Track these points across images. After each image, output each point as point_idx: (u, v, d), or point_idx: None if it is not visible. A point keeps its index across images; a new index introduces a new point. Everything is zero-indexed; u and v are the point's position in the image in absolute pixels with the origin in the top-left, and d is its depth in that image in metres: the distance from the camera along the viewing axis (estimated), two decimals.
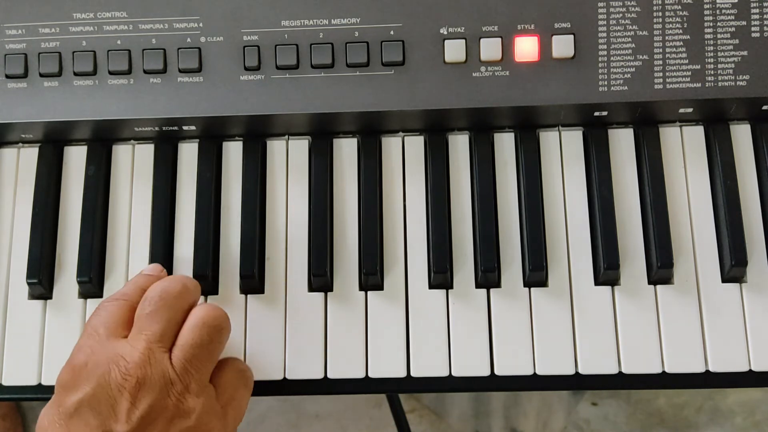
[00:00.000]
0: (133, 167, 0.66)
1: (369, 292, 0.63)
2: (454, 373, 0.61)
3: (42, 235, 0.64)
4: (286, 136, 0.66)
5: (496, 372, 0.61)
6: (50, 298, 0.64)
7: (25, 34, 0.63)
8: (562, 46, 0.61)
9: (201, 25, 0.63)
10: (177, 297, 0.56)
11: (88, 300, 0.64)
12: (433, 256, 0.62)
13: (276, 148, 0.66)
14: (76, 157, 0.66)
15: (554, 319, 0.61)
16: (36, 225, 0.64)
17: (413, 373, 0.61)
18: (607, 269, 0.61)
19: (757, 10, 0.61)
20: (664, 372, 0.61)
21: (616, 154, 0.65)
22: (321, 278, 0.62)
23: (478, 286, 0.62)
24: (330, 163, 0.65)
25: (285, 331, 0.62)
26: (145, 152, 0.66)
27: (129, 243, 0.64)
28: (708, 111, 0.63)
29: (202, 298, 0.63)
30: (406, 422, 0.98)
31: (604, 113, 0.63)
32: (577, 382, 0.61)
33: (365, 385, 0.62)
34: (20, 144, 0.67)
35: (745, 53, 0.61)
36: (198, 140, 0.66)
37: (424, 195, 0.64)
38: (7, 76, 0.63)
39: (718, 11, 0.61)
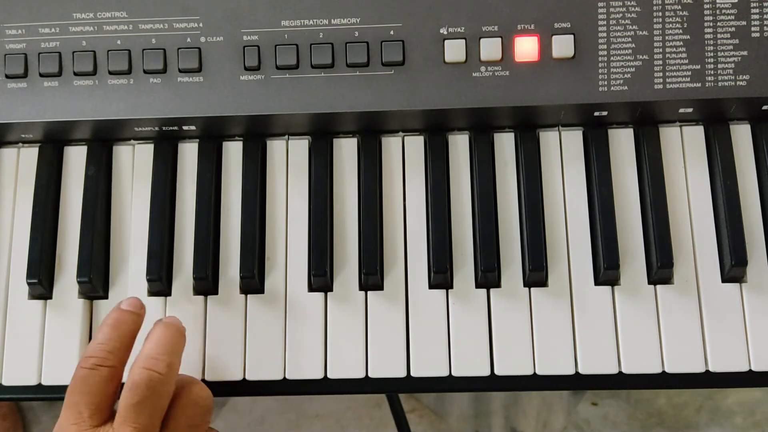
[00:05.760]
0: (133, 167, 0.66)
1: (369, 292, 0.63)
2: (454, 373, 0.61)
3: (42, 235, 0.64)
4: (286, 136, 0.66)
5: (496, 372, 0.61)
6: (50, 298, 0.64)
7: (25, 34, 0.63)
8: (562, 46, 0.61)
9: (201, 25, 0.63)
10: (164, 383, 0.54)
11: (88, 300, 0.64)
12: (433, 256, 0.62)
13: (276, 148, 0.66)
14: (76, 157, 0.66)
15: (554, 319, 0.61)
16: (36, 225, 0.64)
17: (413, 373, 0.61)
18: (607, 269, 0.61)
19: (757, 10, 0.61)
20: (664, 372, 0.61)
21: (616, 154, 0.64)
22: (321, 278, 0.62)
23: (478, 286, 0.62)
24: (330, 163, 0.65)
25: (285, 331, 0.62)
26: (145, 152, 0.66)
27: (129, 243, 0.64)
28: (708, 111, 0.63)
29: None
30: (406, 422, 0.98)
31: (604, 113, 0.63)
32: (577, 382, 0.61)
33: (365, 385, 0.62)
34: (20, 144, 0.67)
35: (745, 53, 0.61)
36: (198, 140, 0.66)
37: (424, 195, 0.64)
38: (7, 76, 0.63)
39: (718, 11, 0.61)
